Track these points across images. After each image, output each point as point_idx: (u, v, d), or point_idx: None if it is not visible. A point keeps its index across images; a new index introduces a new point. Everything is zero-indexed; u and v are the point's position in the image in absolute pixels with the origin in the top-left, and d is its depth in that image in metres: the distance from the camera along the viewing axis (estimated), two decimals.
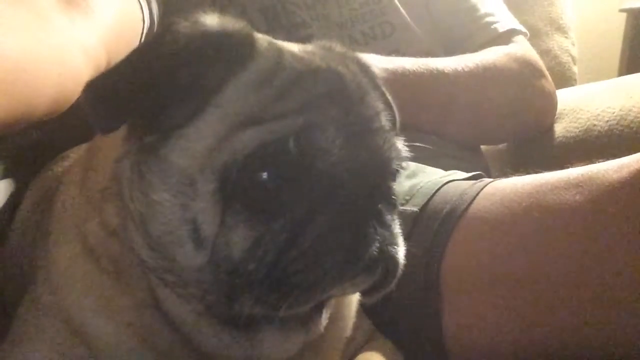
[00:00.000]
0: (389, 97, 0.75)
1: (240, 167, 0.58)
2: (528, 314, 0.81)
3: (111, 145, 0.67)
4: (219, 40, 0.61)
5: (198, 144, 0.59)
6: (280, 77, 0.61)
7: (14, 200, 0.99)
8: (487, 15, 1.41)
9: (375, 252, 0.61)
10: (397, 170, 0.68)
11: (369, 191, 0.62)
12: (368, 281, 0.64)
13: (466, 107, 1.27)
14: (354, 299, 0.80)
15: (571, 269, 0.78)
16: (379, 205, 0.63)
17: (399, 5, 1.39)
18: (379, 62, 1.21)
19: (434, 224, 0.91)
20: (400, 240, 0.66)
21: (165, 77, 0.58)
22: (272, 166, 0.59)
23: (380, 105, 0.68)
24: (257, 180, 0.58)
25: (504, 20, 1.42)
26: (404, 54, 1.31)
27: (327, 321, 0.70)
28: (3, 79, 0.71)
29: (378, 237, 0.62)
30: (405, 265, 0.89)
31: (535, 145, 1.40)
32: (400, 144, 0.68)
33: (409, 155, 0.69)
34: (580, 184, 0.80)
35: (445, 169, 1.10)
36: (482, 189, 0.92)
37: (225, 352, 0.66)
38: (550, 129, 1.39)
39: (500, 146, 1.50)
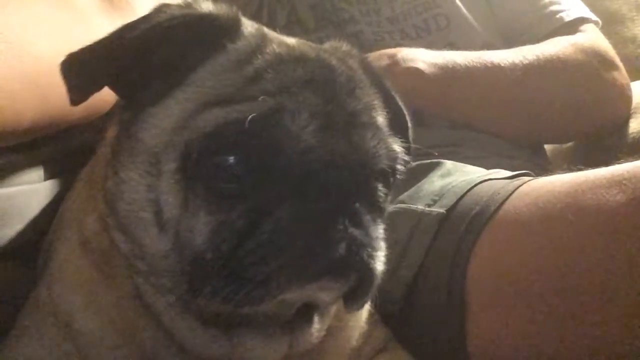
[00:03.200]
0: (397, 99, 0.72)
1: (202, 146, 0.56)
2: (557, 326, 0.74)
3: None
4: (200, 22, 0.60)
5: (165, 121, 0.58)
6: (259, 60, 0.59)
7: (58, 201, 1.02)
8: (551, 3, 1.32)
9: (341, 253, 0.55)
10: (389, 172, 0.63)
11: (343, 186, 0.57)
12: (339, 287, 0.58)
13: (524, 103, 1.19)
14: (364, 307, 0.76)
15: (607, 278, 0.70)
16: (356, 204, 0.57)
17: None
18: (427, 57, 1.16)
19: (460, 226, 0.84)
20: (379, 245, 0.59)
21: (139, 53, 0.58)
22: (234, 148, 0.55)
23: (374, 102, 0.63)
24: (221, 163, 0.55)
25: (571, 8, 1.31)
26: (459, 47, 1.26)
27: (323, 332, 0.67)
28: (37, 81, 0.72)
29: (346, 237, 0.56)
30: (428, 271, 0.85)
31: (606, 143, 1.28)
32: (397, 145, 0.63)
33: (406, 159, 0.65)
34: (624, 182, 0.71)
35: (496, 168, 1.02)
36: (516, 188, 0.84)
37: (205, 351, 0.64)
38: (624, 125, 1.26)
39: (567, 145, 1.38)
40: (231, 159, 0.55)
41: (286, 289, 0.56)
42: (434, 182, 0.95)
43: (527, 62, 1.18)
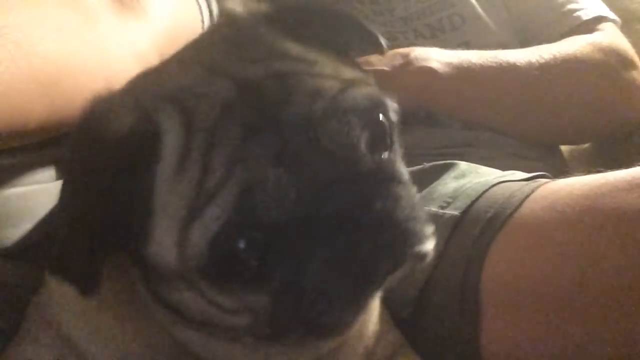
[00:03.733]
0: (352, 18, 0.65)
1: (210, 259, 0.53)
2: (575, 334, 0.72)
3: None
4: (122, 149, 0.54)
5: (167, 251, 0.55)
6: (194, 148, 0.53)
7: None
8: (568, 1, 1.29)
9: (386, 258, 0.55)
10: (380, 132, 0.57)
11: (354, 201, 0.53)
12: (394, 277, 0.59)
13: (541, 103, 1.16)
14: (374, 305, 0.75)
15: (628, 283, 0.68)
16: (377, 206, 0.54)
17: None
18: (441, 56, 1.15)
19: (475, 229, 0.82)
20: (414, 224, 0.56)
21: (101, 214, 0.54)
22: (239, 239, 0.53)
23: (320, 71, 0.57)
24: (236, 255, 0.53)
25: (589, 7, 1.29)
26: (473, 47, 1.24)
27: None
28: (44, 81, 0.71)
29: (382, 245, 0.54)
30: (441, 274, 0.83)
31: (626, 144, 1.26)
32: (366, 91, 0.57)
33: (380, 94, 0.59)
34: None
35: (511, 170, 1.00)
36: (533, 190, 0.82)
37: None
38: None
39: (585, 146, 1.36)
40: (240, 245, 0.53)
41: (357, 305, 0.59)
42: (448, 184, 0.93)
43: (543, 61, 1.16)
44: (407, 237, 0.56)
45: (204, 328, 0.62)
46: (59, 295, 0.67)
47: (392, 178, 0.57)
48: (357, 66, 0.65)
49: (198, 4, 1.16)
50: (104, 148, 0.54)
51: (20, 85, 0.67)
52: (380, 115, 0.58)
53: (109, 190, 0.53)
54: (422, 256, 0.58)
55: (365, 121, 0.55)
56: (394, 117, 0.60)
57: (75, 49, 0.79)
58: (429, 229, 0.58)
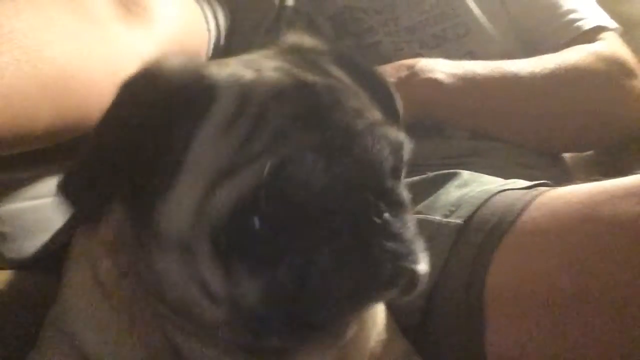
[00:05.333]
0: (387, 84, 0.71)
1: (227, 226, 0.56)
2: (577, 339, 0.73)
3: None
4: (173, 98, 0.58)
5: (183, 211, 0.57)
6: (245, 115, 0.58)
7: None
8: (570, 11, 1.31)
9: (389, 269, 0.58)
10: (398, 164, 0.63)
11: (365, 208, 0.58)
12: (389, 294, 0.62)
13: (544, 113, 1.18)
14: (379, 309, 0.78)
15: (624, 290, 0.69)
16: (384, 215, 0.58)
17: (473, 5, 1.32)
18: (447, 67, 1.17)
19: (478, 237, 0.84)
20: (417, 246, 0.61)
21: (130, 152, 0.57)
22: (257, 214, 0.56)
23: (361, 101, 0.63)
24: (249, 230, 0.56)
25: (590, 16, 1.30)
26: (478, 56, 1.25)
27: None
28: (50, 86, 0.72)
29: (388, 255, 0.58)
30: (446, 282, 0.85)
31: (628, 152, 1.28)
32: (395, 132, 0.62)
33: (405, 140, 0.64)
34: None
35: (515, 178, 1.02)
36: (534, 198, 0.84)
37: None
38: None
39: (587, 153, 1.37)
40: (256, 222, 0.56)
41: (345, 316, 0.62)
42: (451, 193, 0.95)
43: (546, 72, 1.17)
44: (408, 256, 0.60)
45: (178, 317, 0.63)
46: (72, 306, 0.69)
47: (403, 203, 0.62)
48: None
49: (204, 13, 1.17)
50: (157, 90, 0.58)
51: (26, 90, 0.67)
52: (402, 152, 0.63)
53: (148, 131, 0.57)
54: (417, 278, 0.61)
55: (392, 151, 0.61)
56: (406, 156, 0.65)
57: (82, 54, 0.79)
58: (426, 257, 0.62)
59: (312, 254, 0.56)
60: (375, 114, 0.63)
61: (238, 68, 0.62)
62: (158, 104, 0.58)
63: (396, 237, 0.59)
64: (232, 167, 0.56)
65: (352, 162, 0.58)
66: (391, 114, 0.69)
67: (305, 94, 0.59)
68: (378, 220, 0.58)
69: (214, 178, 0.56)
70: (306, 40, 0.70)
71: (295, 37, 0.71)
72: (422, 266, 0.61)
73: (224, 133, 0.57)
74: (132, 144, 0.57)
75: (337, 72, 0.66)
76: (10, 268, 0.87)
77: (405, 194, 0.64)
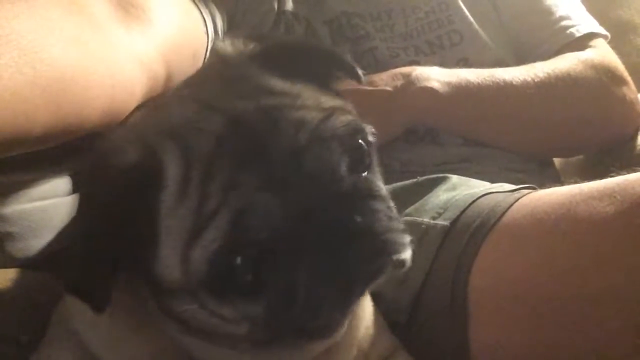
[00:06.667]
0: (324, 49, 0.74)
1: (212, 273, 0.59)
2: (555, 334, 0.77)
3: None
4: (128, 181, 0.60)
5: (174, 268, 0.61)
6: (192, 179, 0.60)
7: None
8: (562, 19, 1.34)
9: (370, 265, 0.62)
10: (358, 155, 0.64)
11: (331, 217, 0.60)
12: (377, 283, 0.65)
13: (536, 120, 1.22)
14: (368, 310, 0.81)
15: (599, 287, 0.73)
16: (353, 217, 0.60)
17: (467, 13, 1.35)
18: (441, 76, 1.20)
19: (463, 238, 0.88)
20: (394, 234, 0.63)
21: (109, 239, 0.59)
22: (234, 255, 0.59)
23: (301, 102, 0.63)
24: (233, 267, 0.59)
25: (582, 23, 1.33)
26: (472, 63, 1.29)
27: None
28: (49, 87, 0.71)
29: (366, 251, 0.61)
30: (433, 281, 0.89)
31: (615, 156, 1.30)
32: (344, 119, 0.63)
33: (358, 127, 0.65)
34: (614, 194, 0.74)
35: (505, 182, 1.05)
36: (517, 200, 0.88)
37: None
38: (633, 138, 1.28)
39: (576, 158, 1.41)
40: (237, 259, 0.59)
41: (341, 313, 0.66)
42: (439, 196, 0.99)
43: (538, 79, 1.20)
44: (385, 247, 0.63)
45: (207, 337, 0.68)
46: (75, 306, 0.72)
47: (370, 194, 0.64)
48: (337, 95, 0.72)
49: (203, 17, 1.18)
50: (113, 179, 0.61)
51: (24, 91, 0.67)
52: (359, 140, 0.65)
53: (119, 217, 0.59)
54: (400, 263, 0.64)
55: (345, 146, 0.62)
56: (371, 139, 0.67)
57: (81, 56, 0.79)
58: (406, 238, 0.65)
59: (293, 274, 0.60)
60: (323, 104, 0.64)
61: (174, 121, 0.64)
62: (118, 190, 0.60)
63: (370, 232, 0.61)
64: (196, 229, 0.59)
65: (305, 180, 0.59)
66: (349, 74, 0.71)
67: (240, 131, 0.60)
68: (348, 224, 0.60)
69: (186, 240, 0.59)
70: (229, 48, 0.71)
71: (222, 45, 0.72)
72: (401, 254, 0.64)
73: (180, 199, 0.60)
74: (109, 231, 0.60)
75: (268, 79, 0.65)
76: (17, 267, 0.89)
77: (374, 181, 0.66)
